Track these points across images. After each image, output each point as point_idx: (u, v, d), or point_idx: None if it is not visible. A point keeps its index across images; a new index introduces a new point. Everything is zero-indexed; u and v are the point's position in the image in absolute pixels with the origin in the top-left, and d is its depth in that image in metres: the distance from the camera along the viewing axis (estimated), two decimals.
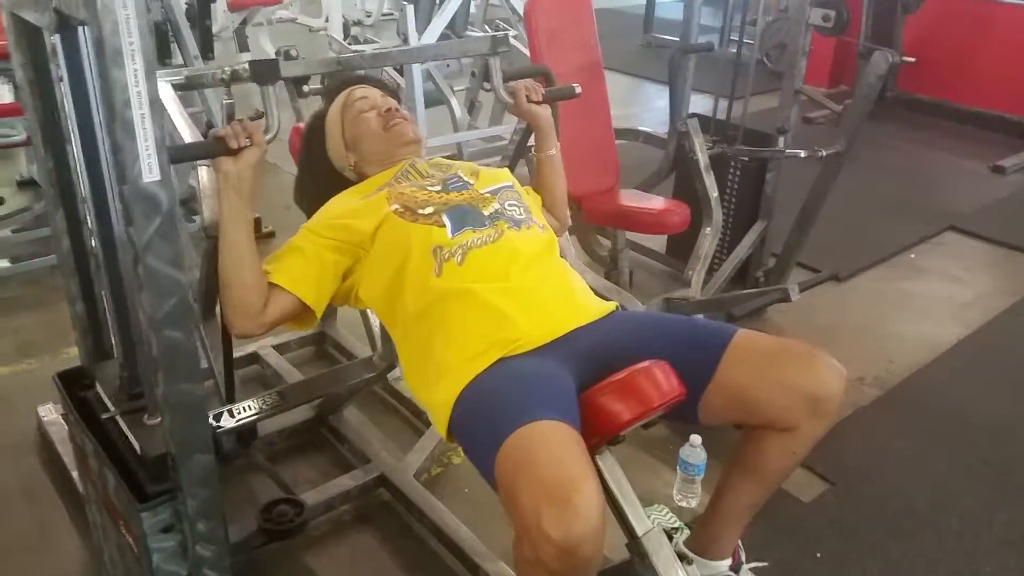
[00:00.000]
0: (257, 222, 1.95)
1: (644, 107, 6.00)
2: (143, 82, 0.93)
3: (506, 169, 1.75)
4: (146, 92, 0.94)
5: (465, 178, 1.62)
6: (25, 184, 4.05)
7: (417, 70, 3.71)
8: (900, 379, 2.71)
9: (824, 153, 2.67)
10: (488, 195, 1.59)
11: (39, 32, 1.22)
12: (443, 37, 4.22)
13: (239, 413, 1.80)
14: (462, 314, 1.43)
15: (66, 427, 2.27)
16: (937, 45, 5.52)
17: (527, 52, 2.86)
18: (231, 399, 2.11)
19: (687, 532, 1.68)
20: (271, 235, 3.33)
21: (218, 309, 1.57)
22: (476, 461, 1.29)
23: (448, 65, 4.35)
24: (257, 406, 1.83)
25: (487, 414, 1.28)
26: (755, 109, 3.10)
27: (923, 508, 2.13)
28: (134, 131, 0.95)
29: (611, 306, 1.55)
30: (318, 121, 1.79)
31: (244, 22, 6.27)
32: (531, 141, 2.02)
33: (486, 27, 4.67)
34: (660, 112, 3.10)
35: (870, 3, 4.69)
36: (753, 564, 1.68)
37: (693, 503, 2.11)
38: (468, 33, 4.45)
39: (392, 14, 6.68)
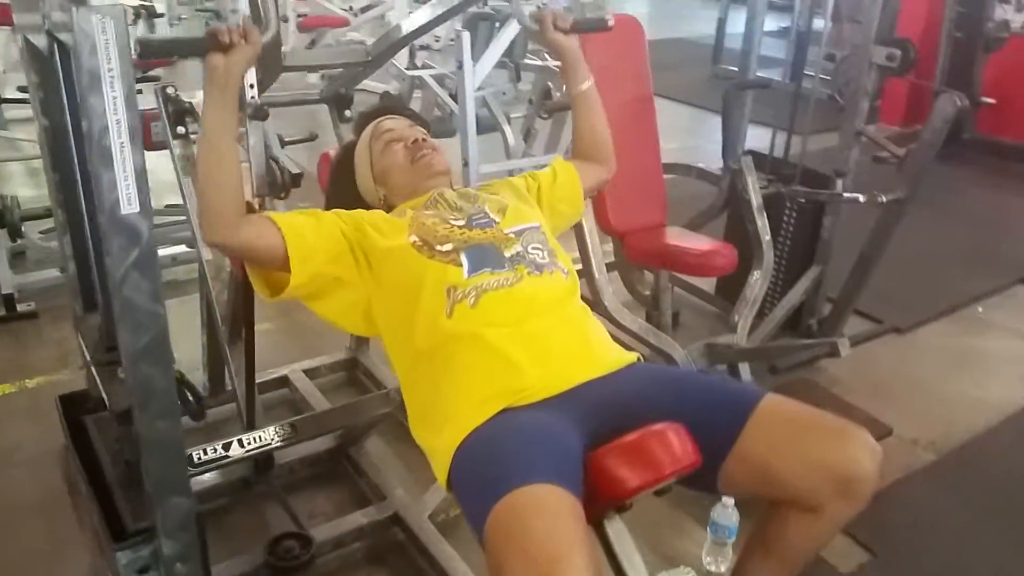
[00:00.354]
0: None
1: (707, 139, 5.86)
2: (122, 110, 0.89)
3: (536, 208, 1.68)
4: (126, 120, 0.90)
5: (491, 215, 1.56)
6: None
7: (471, 96, 3.67)
8: (958, 443, 2.53)
9: (884, 199, 2.53)
10: (512, 235, 1.52)
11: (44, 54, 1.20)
12: (500, 65, 4.19)
13: (249, 444, 1.76)
14: (469, 359, 1.36)
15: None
16: (1019, 86, 5.26)
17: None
18: (251, 425, 2.08)
19: None
20: None
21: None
22: (468, 518, 1.21)
23: (505, 93, 4.32)
24: (269, 437, 1.79)
25: (483, 471, 1.21)
26: (819, 147, 2.98)
27: None
28: (111, 159, 0.91)
29: (630, 357, 1.46)
30: (347, 154, 1.75)
31: (313, 43, 6.38)
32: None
33: (546, 55, 4.61)
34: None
35: (948, 41, 4.50)
36: None
37: (723, 567, 1.98)
38: (527, 61, 4.40)
39: None
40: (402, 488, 2.12)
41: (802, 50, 2.81)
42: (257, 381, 2.56)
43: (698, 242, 2.61)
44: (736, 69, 3.20)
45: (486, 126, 4.31)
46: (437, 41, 7.11)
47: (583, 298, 1.56)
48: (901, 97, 5.78)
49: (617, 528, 1.29)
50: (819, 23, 7.79)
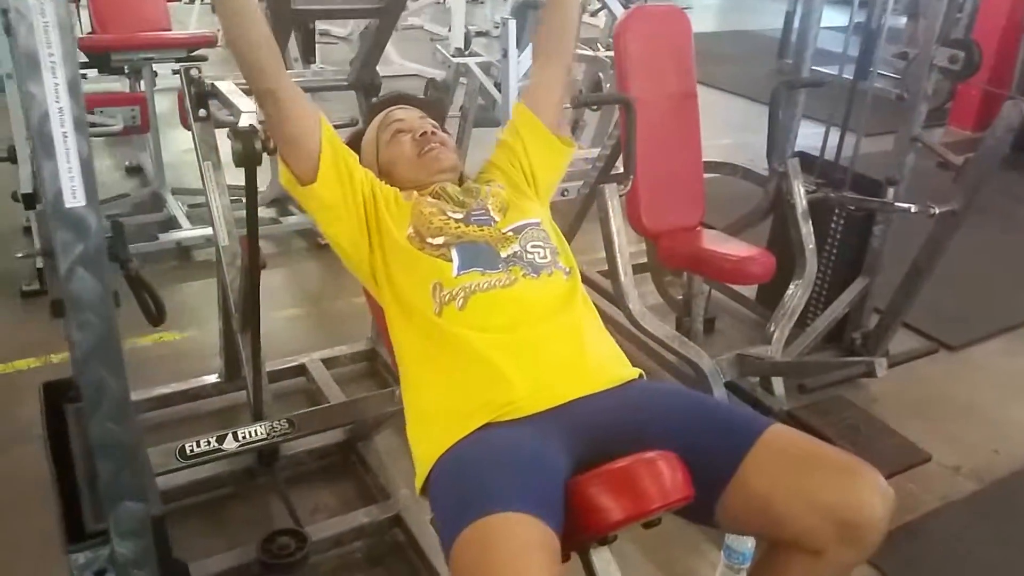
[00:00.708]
0: None
1: (764, 136, 5.67)
2: (65, 97, 0.84)
3: (536, 203, 1.59)
4: (69, 109, 0.84)
5: (491, 212, 1.48)
6: (133, 170, 4.20)
7: (514, 85, 3.59)
8: (1005, 473, 2.37)
9: (937, 211, 2.36)
10: (510, 234, 1.44)
11: None
12: None
13: (244, 438, 1.72)
14: (456, 364, 1.30)
15: None
16: None
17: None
18: (258, 415, 2.05)
19: None
20: None
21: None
22: (438, 533, 1.15)
23: None
24: (264, 432, 1.75)
25: (456, 491, 1.14)
26: (880, 149, 2.82)
27: None
28: (54, 150, 0.85)
29: (631, 374, 1.37)
30: (355, 141, 1.69)
31: (368, 27, 6.34)
32: None
33: (598, 45, 4.49)
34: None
35: None
36: None
37: None
38: (577, 51, 4.29)
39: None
40: (407, 488, 2.06)
41: (869, 47, 2.63)
42: (275, 368, 2.56)
43: (734, 247, 2.49)
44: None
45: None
46: (497, 28, 7.03)
47: (609, 298, 1.46)
48: (974, 99, 5.49)
49: (604, 560, 1.20)
50: (896, 19, 7.53)
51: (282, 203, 3.73)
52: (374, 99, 1.79)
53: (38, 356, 2.67)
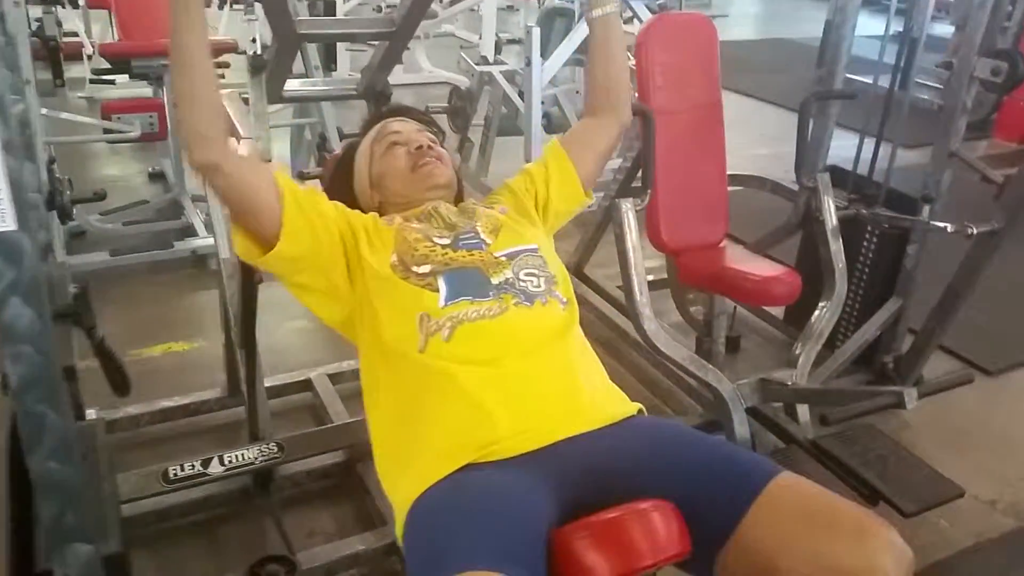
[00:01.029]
0: None
1: None
2: None
3: (537, 222, 1.50)
4: None
5: (482, 235, 1.38)
6: (155, 176, 4.19)
7: (537, 94, 3.50)
8: None
9: (975, 231, 2.22)
10: (503, 259, 1.34)
11: None
12: (577, 63, 4.01)
13: (230, 462, 1.65)
14: (437, 401, 1.20)
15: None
16: None
17: None
18: (254, 435, 1.98)
19: None
20: None
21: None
22: None
23: (579, 92, 4.12)
24: (252, 456, 1.68)
25: (427, 542, 1.05)
26: (916, 162, 2.67)
27: None
28: None
29: (628, 410, 1.27)
30: (349, 152, 1.61)
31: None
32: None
33: (629, 54, 4.38)
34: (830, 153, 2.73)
35: None
36: None
37: None
38: None
39: None
40: None
41: (908, 55, 2.50)
42: (280, 383, 2.51)
43: (758, 266, 2.37)
44: (847, 75, 2.93)
45: (557, 126, 4.13)
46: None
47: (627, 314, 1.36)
48: (1021, 111, 5.28)
49: None
50: (940, 28, 7.30)
51: None
52: (373, 111, 1.71)
53: None
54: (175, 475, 1.57)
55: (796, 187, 2.75)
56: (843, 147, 2.80)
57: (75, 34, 5.29)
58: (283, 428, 2.28)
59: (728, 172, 2.72)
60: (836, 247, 2.50)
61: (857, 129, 2.71)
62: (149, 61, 3.36)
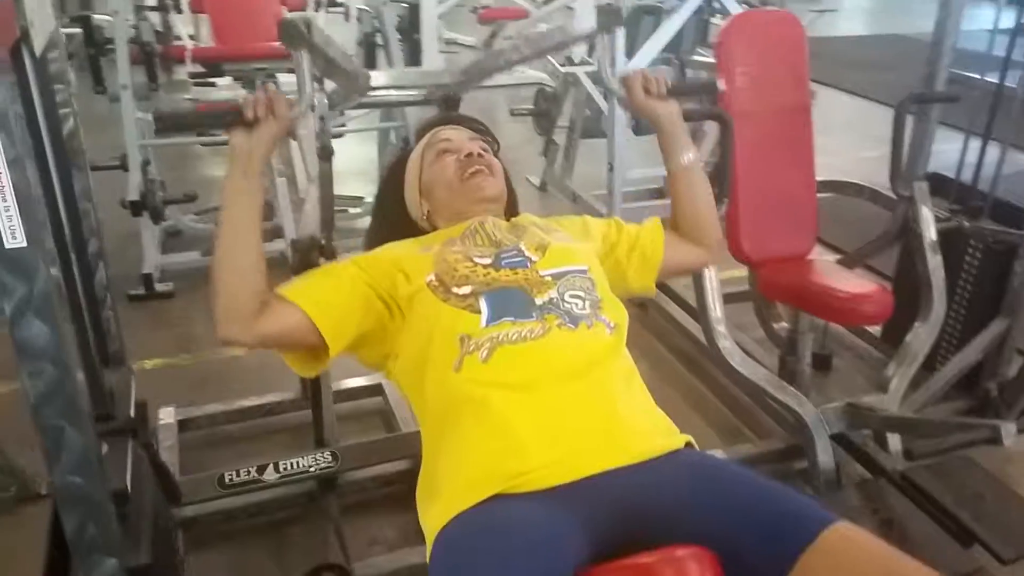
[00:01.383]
0: None
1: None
2: None
3: (588, 248, 1.43)
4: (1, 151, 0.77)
5: (527, 253, 1.33)
6: None
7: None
8: None
9: None
10: (548, 279, 1.28)
11: None
12: (665, 61, 3.89)
13: (285, 469, 1.65)
14: (469, 427, 1.16)
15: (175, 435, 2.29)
16: None
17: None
18: (320, 441, 1.99)
19: None
20: None
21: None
22: None
23: None
24: (307, 464, 1.68)
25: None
26: None
27: None
28: None
29: (674, 443, 1.18)
30: (400, 161, 1.58)
31: (493, 35, 6.30)
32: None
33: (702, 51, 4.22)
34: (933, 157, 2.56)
35: None
36: None
37: None
38: (697, 56, 4.06)
39: None
40: None
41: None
42: (351, 387, 2.52)
43: (846, 281, 2.22)
44: (963, 73, 2.73)
45: (647, 127, 4.02)
46: None
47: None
48: None
49: None
50: None
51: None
52: (426, 118, 1.68)
53: (133, 362, 2.73)
54: (231, 480, 1.58)
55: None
56: (947, 151, 2.61)
57: (179, 38, 5.50)
58: (351, 433, 2.29)
59: (825, 178, 2.59)
60: (935, 262, 2.32)
61: (962, 128, 2.51)
62: (240, 65, 3.45)
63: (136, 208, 3.01)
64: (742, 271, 2.63)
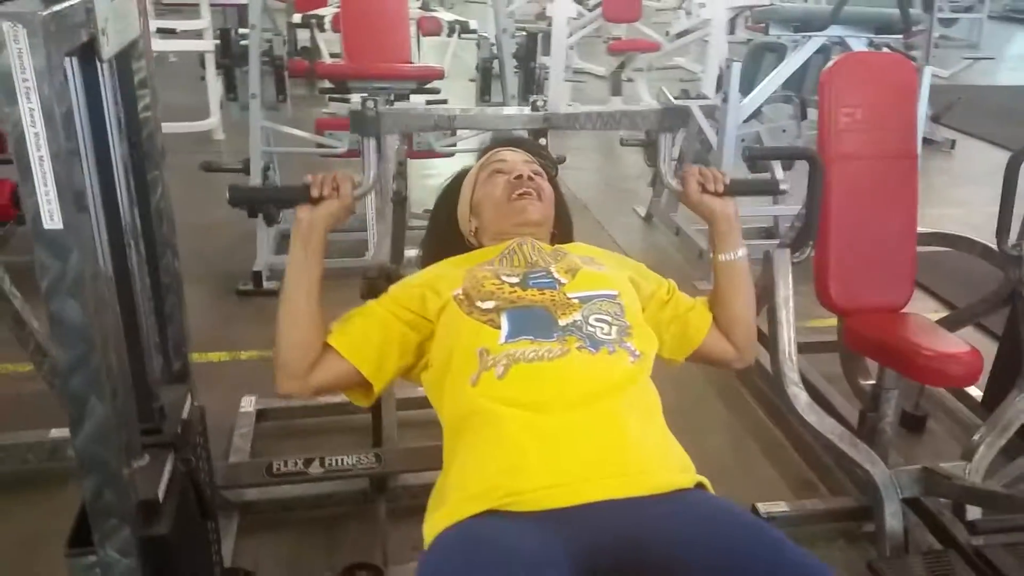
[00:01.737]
0: None
1: None
2: (40, 123, 0.86)
3: (624, 277, 1.42)
4: (44, 135, 0.86)
5: (556, 275, 1.34)
6: None
7: (732, 131, 3.36)
8: None
9: None
10: (575, 301, 1.29)
11: None
12: (786, 99, 3.79)
13: (330, 465, 1.72)
14: (480, 440, 1.18)
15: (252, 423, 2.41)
16: None
17: None
18: (377, 441, 2.05)
19: None
20: None
21: None
22: None
23: (785, 130, 3.89)
24: (351, 463, 1.74)
25: None
26: None
27: None
28: (30, 171, 0.88)
29: (684, 481, 1.15)
30: (457, 179, 1.63)
31: (622, 66, 6.33)
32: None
33: None
34: None
35: None
36: None
37: None
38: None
39: None
40: None
41: None
42: (416, 396, 2.57)
43: (936, 340, 2.09)
44: None
45: (762, 166, 3.94)
46: None
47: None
48: None
49: None
50: None
51: None
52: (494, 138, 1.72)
53: (230, 351, 2.91)
54: (278, 469, 1.66)
55: None
56: None
57: (311, 52, 5.81)
58: (409, 438, 2.35)
59: (951, 231, 2.46)
60: None
61: None
62: (364, 83, 3.62)
63: (252, 210, 3.21)
64: (833, 320, 2.53)
